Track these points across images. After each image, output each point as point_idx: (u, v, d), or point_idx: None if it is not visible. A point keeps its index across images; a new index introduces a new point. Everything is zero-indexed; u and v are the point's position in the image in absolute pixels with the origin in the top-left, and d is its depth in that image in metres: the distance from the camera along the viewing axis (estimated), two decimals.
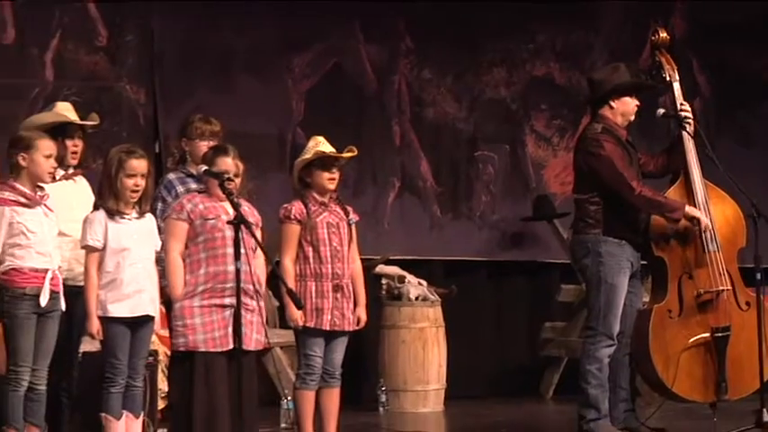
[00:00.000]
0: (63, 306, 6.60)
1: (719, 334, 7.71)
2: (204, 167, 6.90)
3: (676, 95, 7.98)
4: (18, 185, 6.54)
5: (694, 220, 7.66)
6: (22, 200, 6.51)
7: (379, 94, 10.85)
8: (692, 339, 7.71)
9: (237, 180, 6.87)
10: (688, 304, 7.74)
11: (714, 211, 7.82)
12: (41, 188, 6.60)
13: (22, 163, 6.55)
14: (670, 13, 11.59)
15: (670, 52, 8.13)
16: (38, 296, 6.46)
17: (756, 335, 7.53)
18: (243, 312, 6.55)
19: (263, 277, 7.02)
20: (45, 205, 6.58)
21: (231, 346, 6.57)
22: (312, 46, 10.54)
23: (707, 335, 7.72)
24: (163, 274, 6.89)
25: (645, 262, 7.90)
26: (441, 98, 11.06)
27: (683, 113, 7.90)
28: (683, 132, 7.85)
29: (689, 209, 7.66)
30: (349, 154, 7.32)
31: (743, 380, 7.74)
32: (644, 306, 7.91)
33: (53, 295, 6.51)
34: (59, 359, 6.75)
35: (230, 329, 6.58)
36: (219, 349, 6.73)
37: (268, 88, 10.31)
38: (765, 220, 7.53)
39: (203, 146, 7.26)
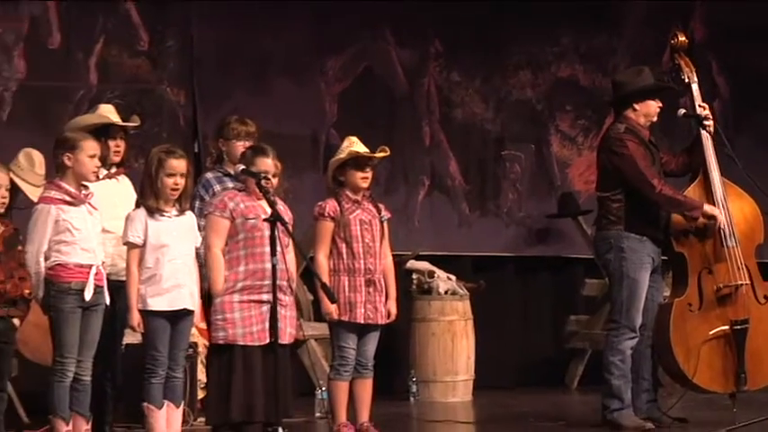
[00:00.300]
0: (107, 300, 6.62)
1: (738, 327, 7.69)
2: (242, 167, 6.93)
3: (695, 96, 7.98)
4: (64, 184, 6.57)
5: (712, 218, 7.67)
6: (68, 198, 6.54)
7: (409, 96, 10.84)
8: (711, 332, 7.70)
9: (275, 180, 6.91)
10: (708, 298, 7.73)
11: (732, 207, 7.81)
12: (86, 187, 6.63)
13: (68, 163, 6.58)
14: (690, 16, 11.55)
15: (689, 55, 8.13)
16: (83, 291, 6.49)
17: None
18: (280, 308, 6.59)
19: (294, 273, 7.07)
20: (89, 203, 6.60)
21: (268, 341, 6.60)
22: (345, 50, 10.55)
23: (726, 327, 7.71)
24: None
25: (666, 257, 7.91)
26: (469, 99, 11.06)
27: (701, 114, 7.90)
28: (702, 132, 7.85)
29: (707, 207, 7.66)
30: (382, 154, 7.34)
31: (762, 371, 7.74)
32: (665, 300, 7.91)
33: (97, 290, 6.54)
34: (103, 351, 6.78)
35: (267, 324, 6.60)
36: (257, 343, 6.77)
37: (302, 91, 10.33)
38: None
39: (239, 146, 7.29)
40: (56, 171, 6.67)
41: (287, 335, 6.90)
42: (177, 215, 6.78)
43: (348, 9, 10.34)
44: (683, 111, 8.02)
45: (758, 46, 11.53)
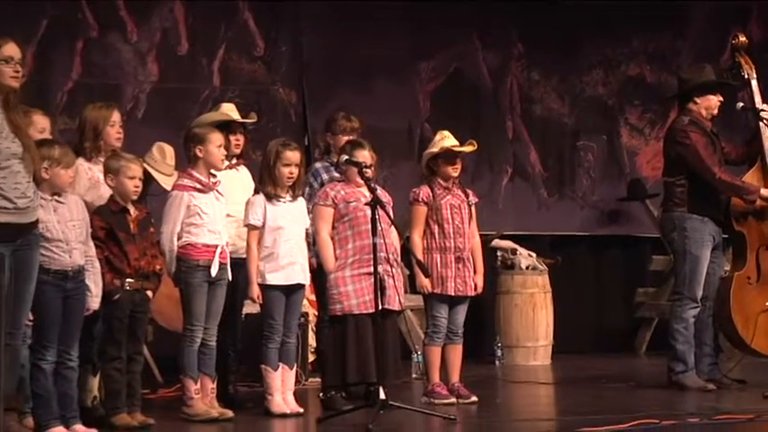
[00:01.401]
0: (230, 275, 6.67)
1: None
2: (345, 157, 6.96)
3: (754, 91, 7.89)
4: (195, 173, 6.64)
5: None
6: (199, 186, 6.60)
7: (493, 94, 10.82)
8: None
9: (372, 169, 6.94)
10: (765, 272, 7.67)
11: None
12: (214, 175, 6.69)
13: (199, 154, 6.64)
14: (748, 19, 11.42)
15: (748, 53, 8.04)
16: (209, 267, 6.53)
17: None
18: (386, 278, 6.63)
19: (397, 247, 7.08)
20: (217, 190, 6.66)
21: (376, 308, 6.60)
22: (437, 53, 10.55)
23: None
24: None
25: (726, 236, 7.83)
26: (547, 96, 11.02)
27: (759, 106, 7.82)
28: (761, 123, 7.78)
29: (764, 191, 7.59)
30: (469, 148, 7.32)
31: None
32: (725, 274, 7.84)
33: (221, 266, 6.58)
34: (226, 320, 6.84)
35: (375, 293, 6.60)
36: (368, 311, 6.79)
37: (399, 89, 10.35)
38: None
39: (345, 140, 7.33)
40: (188, 162, 6.74)
41: (396, 302, 6.93)
42: (291, 200, 6.83)
43: (440, 17, 10.35)
44: (741, 104, 7.93)
45: None
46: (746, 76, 7.93)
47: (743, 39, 8.06)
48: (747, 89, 7.95)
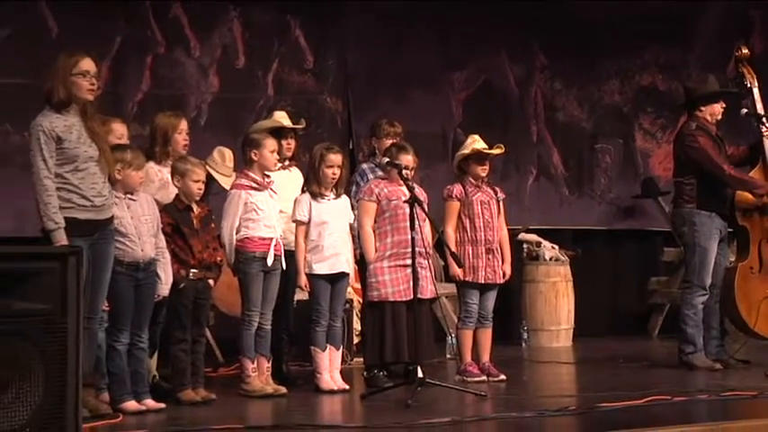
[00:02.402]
0: (283, 265, 6.69)
1: None
2: (387, 159, 6.98)
3: (756, 99, 7.87)
4: (251, 174, 6.66)
5: None
6: (254, 185, 6.63)
7: (519, 101, 10.79)
8: None
9: (411, 172, 6.94)
10: (766, 263, 7.63)
11: None
12: (268, 176, 6.71)
13: (254, 157, 6.67)
14: (750, 33, 11.34)
15: (750, 64, 8.00)
16: (265, 258, 6.56)
17: None
18: (420, 270, 6.61)
19: (430, 241, 7.08)
20: (271, 189, 6.69)
21: (412, 296, 6.62)
22: (468, 65, 10.51)
23: None
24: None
25: (731, 230, 7.78)
26: (568, 104, 10.97)
27: (761, 112, 7.78)
28: (762, 127, 7.74)
29: None
30: (498, 151, 7.32)
31: None
32: (730, 264, 7.80)
33: (275, 257, 6.61)
34: (280, 306, 6.86)
35: (411, 283, 6.62)
36: (404, 299, 6.82)
37: (434, 98, 10.33)
38: None
39: (388, 143, 7.35)
40: (244, 164, 6.76)
41: (428, 290, 6.94)
42: (334, 198, 6.85)
43: (471, 33, 10.31)
44: (744, 110, 7.90)
45: None
46: (749, 85, 7.90)
47: (745, 51, 8.03)
48: (750, 97, 7.91)
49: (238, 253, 6.56)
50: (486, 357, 7.22)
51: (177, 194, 6.40)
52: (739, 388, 6.38)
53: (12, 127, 8.48)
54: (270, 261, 6.56)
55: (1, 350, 4.38)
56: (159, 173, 6.62)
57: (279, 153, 6.91)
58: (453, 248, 7.00)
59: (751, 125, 7.92)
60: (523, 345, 9.73)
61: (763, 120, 7.75)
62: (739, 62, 8.00)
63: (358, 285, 7.76)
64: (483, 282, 7.15)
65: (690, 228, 7.62)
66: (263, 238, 6.57)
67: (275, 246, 6.59)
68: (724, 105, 7.77)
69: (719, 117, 7.77)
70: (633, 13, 10.75)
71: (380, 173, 7.28)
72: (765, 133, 7.74)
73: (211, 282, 6.48)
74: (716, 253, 7.62)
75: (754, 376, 6.99)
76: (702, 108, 7.73)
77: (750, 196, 7.62)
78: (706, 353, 7.60)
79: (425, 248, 6.88)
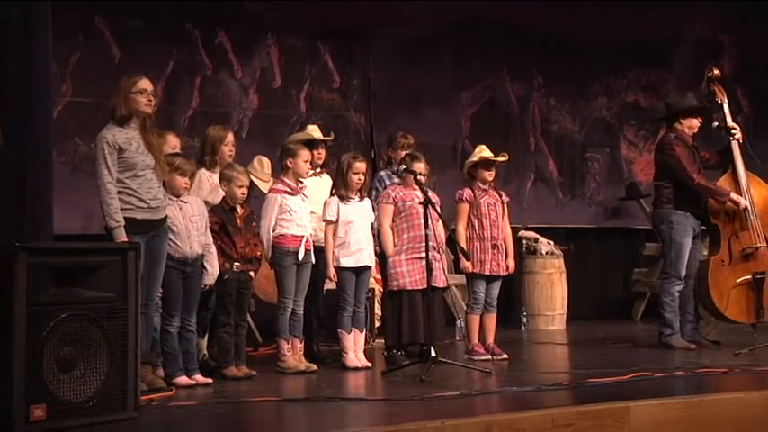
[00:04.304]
0: (313, 259, 6.69)
1: (758, 276, 7.51)
2: (404, 167, 6.98)
3: (726, 113, 7.82)
4: (286, 180, 6.67)
5: (736, 204, 7.54)
6: (289, 190, 6.63)
7: (520, 116, 10.78)
8: (739, 280, 7.53)
9: (425, 176, 6.93)
10: (736, 256, 7.57)
11: (754, 192, 7.67)
12: (301, 182, 6.72)
13: (289, 165, 6.68)
14: (720, 56, 11.31)
15: (721, 83, 7.97)
16: (297, 253, 6.57)
17: None
18: (433, 262, 6.60)
19: (443, 238, 7.07)
20: (303, 193, 6.69)
21: (426, 285, 6.61)
22: (475, 84, 10.52)
23: (749, 277, 7.53)
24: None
25: (704, 227, 7.75)
26: (562, 118, 10.95)
27: (730, 125, 7.75)
28: (731, 139, 7.71)
29: (733, 195, 7.56)
30: (502, 159, 7.30)
31: None
32: (704, 258, 7.76)
33: (306, 252, 6.61)
34: (311, 294, 6.86)
35: (425, 274, 6.60)
36: (419, 287, 6.81)
37: (445, 114, 10.33)
38: None
39: (404, 153, 7.34)
40: (281, 171, 6.78)
41: (441, 280, 6.93)
42: (359, 201, 6.85)
43: (477, 56, 10.32)
44: (716, 123, 7.87)
45: None
46: (720, 102, 7.86)
47: (716, 72, 8.01)
48: (721, 112, 7.87)
49: (274, 248, 6.56)
50: (491, 339, 7.21)
51: (224, 197, 6.42)
52: (711, 365, 6.35)
53: (80, 140, 8.53)
54: (301, 255, 6.56)
55: (71, 332, 4.40)
56: (210, 178, 6.65)
57: (311, 162, 6.91)
58: (463, 244, 6.98)
59: (721, 136, 7.88)
60: (523, 328, 9.70)
61: (732, 131, 7.72)
62: (711, 81, 7.97)
63: (379, 276, 7.75)
64: (489, 273, 7.13)
65: (667, 226, 7.59)
66: (296, 236, 6.57)
67: (306, 242, 6.59)
68: (701, 120, 7.74)
69: (696, 130, 7.74)
70: (619, 40, 10.73)
71: (396, 179, 7.27)
72: (734, 144, 7.70)
73: (252, 273, 6.49)
74: (690, 248, 7.59)
75: (724, 355, 6.94)
76: (682, 121, 7.70)
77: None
78: (682, 335, 7.57)
79: (438, 244, 6.86)
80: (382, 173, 7.70)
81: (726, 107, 7.83)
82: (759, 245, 7.55)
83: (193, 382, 5.94)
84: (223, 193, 6.43)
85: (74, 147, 8.54)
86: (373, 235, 6.96)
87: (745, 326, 7.72)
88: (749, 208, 7.56)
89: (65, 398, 4.34)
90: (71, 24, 8.45)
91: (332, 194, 6.87)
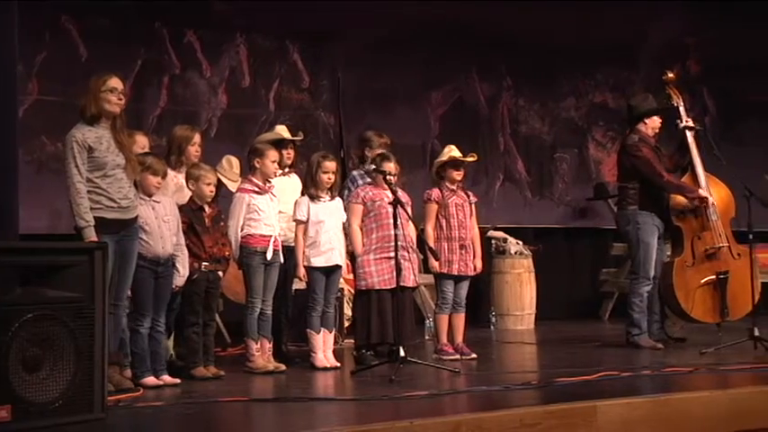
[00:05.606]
0: (281, 259, 6.68)
1: (722, 276, 7.59)
2: (373, 166, 6.98)
3: (681, 114, 7.91)
4: (254, 180, 6.66)
5: (704, 200, 7.61)
6: (257, 189, 6.62)
7: (488, 117, 10.80)
8: (703, 280, 7.61)
9: (395, 176, 6.94)
10: (699, 257, 7.64)
11: (713, 192, 7.74)
12: (269, 181, 6.70)
13: (257, 165, 6.66)
14: (686, 57, 11.42)
15: (676, 85, 8.08)
16: (265, 252, 6.55)
17: (747, 276, 7.41)
18: (402, 262, 6.60)
19: (413, 238, 7.08)
20: (271, 193, 6.68)
21: (395, 285, 6.63)
22: (444, 85, 10.54)
23: (713, 277, 7.61)
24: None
25: (666, 229, 7.82)
26: (530, 118, 11.00)
27: (689, 126, 7.84)
28: (688, 138, 7.78)
29: (701, 191, 7.64)
30: (471, 159, 7.32)
31: (738, 306, 7.61)
32: (667, 259, 7.82)
33: (275, 252, 6.59)
34: (279, 294, 6.85)
35: (394, 273, 6.61)
36: (388, 287, 6.81)
37: (415, 114, 10.34)
38: (755, 198, 7.40)
39: (378, 152, 7.34)
40: (249, 170, 6.76)
41: (409, 280, 6.94)
42: (329, 200, 6.84)
43: (447, 56, 10.34)
44: (682, 124, 7.93)
45: (735, 76, 11.39)
46: (675, 104, 7.95)
47: (671, 75, 8.13)
48: (677, 112, 7.94)
49: (242, 248, 6.55)
50: (459, 338, 7.23)
51: (191, 197, 6.39)
52: (678, 365, 6.40)
53: (47, 139, 8.46)
54: (269, 255, 6.55)
55: (37, 332, 4.37)
56: (175, 178, 6.61)
57: (280, 161, 6.89)
58: (431, 244, 7.00)
59: (684, 136, 7.93)
60: (492, 327, 9.72)
61: (688, 124, 7.80)
62: (666, 84, 8.08)
63: (350, 276, 7.75)
64: (457, 273, 7.15)
65: (633, 226, 7.64)
66: (264, 236, 6.56)
67: (274, 242, 6.58)
68: (661, 120, 7.82)
69: (657, 130, 7.82)
70: (587, 41, 10.79)
71: (369, 178, 7.27)
72: (692, 144, 7.77)
73: (220, 273, 6.46)
74: (656, 248, 7.65)
75: (690, 354, 7.01)
76: (646, 122, 7.77)
77: (683, 199, 7.67)
78: (649, 334, 7.62)
79: (408, 244, 6.87)
80: (355, 172, 7.70)
81: (681, 109, 7.93)
82: (721, 245, 7.64)
83: (161, 382, 5.92)
84: (188, 193, 6.40)
85: (40, 146, 8.48)
86: (345, 234, 6.96)
87: (710, 325, 7.80)
88: (712, 207, 7.63)
89: (30, 399, 4.32)
90: (38, 23, 8.39)
91: (302, 194, 6.85)
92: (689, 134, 7.80)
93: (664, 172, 7.61)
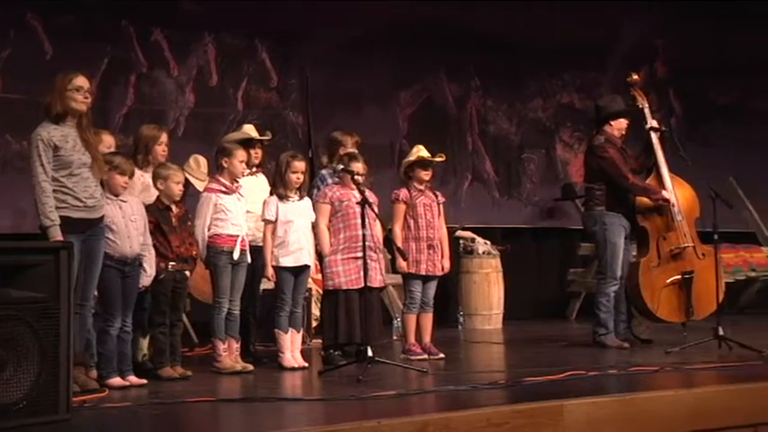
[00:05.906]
0: (249, 259, 6.66)
1: (687, 276, 7.65)
2: (341, 166, 6.97)
3: (646, 115, 7.97)
4: (222, 179, 6.64)
5: (667, 201, 7.67)
6: (224, 189, 6.60)
7: (457, 117, 10.83)
8: (668, 280, 7.66)
9: (362, 176, 6.94)
10: (664, 257, 7.69)
11: (678, 193, 7.81)
12: (236, 181, 6.68)
13: (225, 165, 6.64)
14: (654, 59, 11.50)
15: (641, 87, 8.16)
16: (232, 252, 6.53)
17: (712, 276, 7.46)
18: (370, 262, 6.60)
19: (380, 238, 7.09)
20: (238, 193, 6.66)
21: (362, 285, 6.62)
22: (413, 85, 10.55)
23: (678, 277, 7.67)
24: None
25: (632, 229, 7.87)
26: (498, 119, 11.03)
27: (654, 127, 7.88)
28: (653, 140, 7.83)
29: (665, 193, 7.70)
30: (439, 159, 7.33)
31: (703, 306, 7.66)
32: (633, 259, 7.87)
33: (242, 252, 6.58)
34: (247, 294, 6.83)
35: (361, 273, 6.62)
36: (355, 287, 6.81)
37: (383, 113, 10.34)
38: (720, 199, 7.47)
39: (348, 150, 7.33)
40: (216, 170, 6.74)
41: (377, 280, 6.93)
42: (298, 200, 6.83)
43: (415, 56, 10.34)
44: (648, 125, 7.98)
45: (701, 79, 11.51)
46: (640, 106, 8.01)
47: (635, 77, 8.17)
48: (642, 114, 8.00)
49: (209, 248, 6.53)
50: (427, 338, 7.24)
51: (158, 196, 6.36)
52: (644, 364, 6.45)
53: (11, 137, 8.39)
54: (236, 255, 6.53)
55: (0, 333, 4.33)
56: (141, 177, 6.57)
57: (247, 161, 6.87)
58: (399, 244, 7.00)
59: (650, 138, 7.99)
60: (460, 327, 9.75)
61: (654, 125, 7.85)
62: (630, 86, 8.13)
63: (318, 276, 7.73)
64: (425, 273, 7.16)
65: (600, 227, 7.68)
66: (231, 236, 6.54)
67: (241, 242, 6.57)
68: (628, 122, 7.87)
69: (624, 132, 7.87)
70: (555, 42, 10.84)
71: (337, 178, 7.26)
72: (656, 145, 7.83)
73: (188, 273, 6.43)
74: (623, 248, 7.69)
75: (656, 354, 7.06)
76: (613, 123, 7.81)
77: (648, 200, 7.72)
78: (616, 334, 7.67)
79: (376, 244, 6.87)
80: (324, 171, 7.69)
81: (646, 111, 7.99)
82: (686, 244, 7.70)
83: (127, 383, 5.88)
84: (155, 193, 6.37)
85: (4, 144, 8.40)
86: (314, 234, 6.94)
87: (675, 325, 7.86)
88: (675, 208, 7.69)
89: None
90: (2, 20, 8.31)
91: (270, 194, 6.84)
92: (654, 135, 7.86)
93: (629, 174, 7.66)
